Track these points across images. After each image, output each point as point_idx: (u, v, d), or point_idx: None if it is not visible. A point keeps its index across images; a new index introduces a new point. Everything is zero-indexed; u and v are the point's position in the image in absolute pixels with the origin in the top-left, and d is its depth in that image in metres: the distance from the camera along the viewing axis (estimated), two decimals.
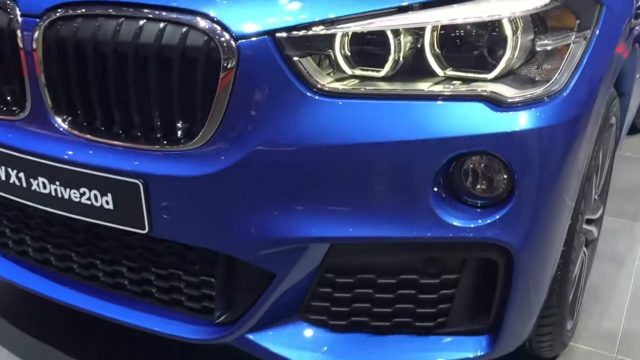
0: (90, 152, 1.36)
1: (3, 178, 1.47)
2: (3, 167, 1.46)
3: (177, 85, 1.24)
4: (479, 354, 1.33)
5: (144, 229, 1.34)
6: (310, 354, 1.34)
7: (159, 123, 1.29)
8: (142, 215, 1.33)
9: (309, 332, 1.36)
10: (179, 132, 1.28)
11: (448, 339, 1.35)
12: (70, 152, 1.37)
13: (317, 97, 1.21)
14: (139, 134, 1.32)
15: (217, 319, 1.40)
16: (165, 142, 1.29)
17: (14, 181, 1.45)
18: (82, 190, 1.37)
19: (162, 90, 1.26)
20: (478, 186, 1.24)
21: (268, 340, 1.36)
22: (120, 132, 1.33)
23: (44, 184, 1.41)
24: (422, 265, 1.31)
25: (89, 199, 1.37)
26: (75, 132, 1.37)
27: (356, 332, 1.37)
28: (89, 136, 1.36)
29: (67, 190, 1.39)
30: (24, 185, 1.44)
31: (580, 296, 1.91)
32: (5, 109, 1.46)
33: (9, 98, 1.45)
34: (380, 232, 1.23)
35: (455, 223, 1.22)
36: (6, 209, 1.63)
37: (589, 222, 1.91)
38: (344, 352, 1.35)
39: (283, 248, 1.27)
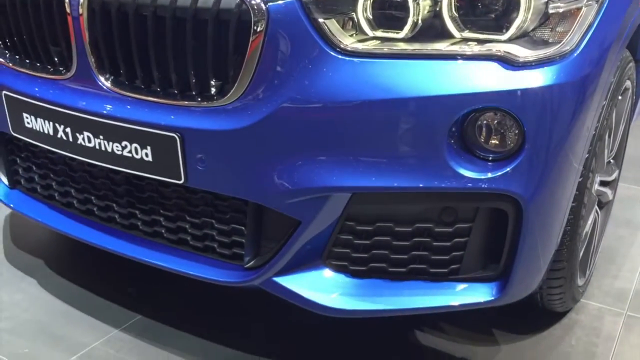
0: (131, 108, 1.47)
1: (51, 133, 1.60)
2: (51, 123, 1.59)
3: (211, 45, 1.35)
4: (489, 298, 1.43)
5: (180, 179, 1.46)
6: (332, 296, 1.46)
7: (194, 81, 1.40)
8: (178, 167, 1.45)
9: (330, 276, 1.47)
10: (213, 90, 1.39)
11: (460, 285, 1.45)
12: (112, 108, 1.49)
13: (340, 57, 1.31)
14: (176, 91, 1.43)
15: (247, 264, 1.51)
16: (199, 98, 1.40)
17: (61, 136, 1.58)
18: (123, 143, 1.49)
19: (198, 51, 1.37)
20: (491, 141, 1.33)
21: (293, 283, 1.47)
22: (159, 89, 1.44)
23: (88, 138, 1.54)
24: (437, 215, 1.40)
25: (130, 151, 1.49)
26: (118, 89, 1.49)
27: (374, 278, 1.47)
28: (130, 93, 1.47)
29: (110, 143, 1.51)
30: (71, 139, 1.57)
31: (593, 255, 1.98)
32: (52, 69, 1.58)
33: (56, 59, 1.57)
34: (398, 183, 1.33)
35: (469, 175, 1.31)
36: (53, 163, 1.76)
37: (603, 184, 1.98)
38: (363, 295, 1.46)
39: (308, 197, 1.37)
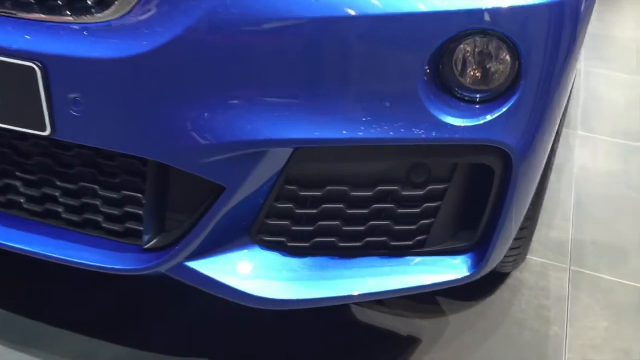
0: None
1: None
2: None
3: None
4: (465, 274, 1.15)
5: (44, 129, 1.01)
6: (266, 283, 1.10)
7: None
8: (41, 111, 1.00)
9: (263, 256, 1.12)
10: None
11: (428, 259, 1.15)
12: None
13: None
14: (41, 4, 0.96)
15: (147, 244, 1.11)
16: (70, 10, 0.95)
17: None
18: None
19: None
20: (476, 76, 1.01)
21: (213, 268, 1.10)
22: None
23: None
24: (404, 174, 1.08)
25: None
26: None
27: (320, 256, 1.14)
28: None
29: None
30: None
31: None
32: None
33: None
34: (356, 133, 0.98)
35: (449, 121, 0.99)
36: None
37: None
38: (305, 278, 1.12)
39: (233, 154, 0.99)
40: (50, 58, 0.96)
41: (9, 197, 1.17)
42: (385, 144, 1.00)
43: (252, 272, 1.11)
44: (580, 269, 1.79)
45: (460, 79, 1.00)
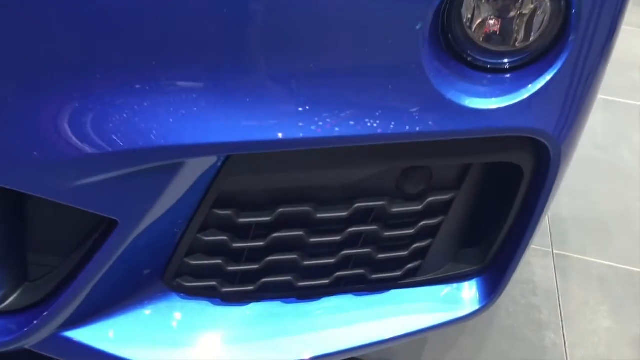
0: None
1: None
2: None
3: None
4: (470, 309, 0.82)
5: None
6: (196, 349, 0.73)
7: None
8: None
9: (187, 309, 0.74)
10: None
11: (419, 292, 0.82)
12: None
13: None
14: None
15: (1, 303, 0.71)
16: None
17: None
18: None
19: None
20: (496, 28, 0.66)
21: (108, 337, 0.71)
22: None
23: None
24: (394, 183, 0.72)
25: None
26: None
27: (269, 300, 0.77)
28: None
29: None
30: None
31: None
32: None
33: None
34: (322, 129, 0.61)
35: (464, 102, 0.64)
36: None
37: None
38: (251, 337, 0.76)
39: (128, 170, 0.60)
40: None
41: None
42: (367, 142, 0.64)
43: (172, 336, 0.74)
44: (565, 252, 1.53)
45: (475, 38, 0.65)
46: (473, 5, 0.64)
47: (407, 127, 0.63)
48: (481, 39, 0.65)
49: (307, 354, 0.77)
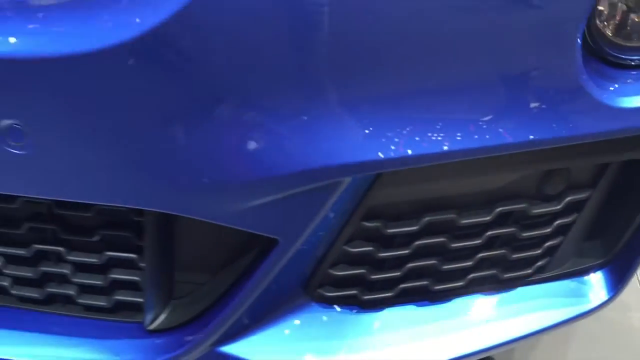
0: None
1: None
2: None
3: None
4: (598, 301, 0.83)
5: None
6: (338, 356, 0.75)
7: None
8: None
9: (331, 319, 0.76)
10: None
11: (545, 288, 0.83)
12: None
13: None
14: None
15: (152, 323, 0.73)
16: None
17: None
18: None
19: None
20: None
21: (259, 350, 0.73)
22: None
23: None
24: (535, 186, 0.73)
25: None
26: None
27: (404, 304, 0.79)
28: None
29: None
30: None
31: None
32: None
33: None
34: (478, 140, 0.62)
35: (617, 103, 0.64)
36: None
37: None
38: (388, 343, 0.77)
39: (293, 191, 0.61)
40: None
41: None
42: (522, 149, 0.64)
43: (318, 344, 0.76)
44: None
45: (615, 33, 0.65)
46: (609, 6, 0.65)
47: (561, 132, 0.64)
48: (621, 37, 0.66)
49: (443, 356, 0.79)
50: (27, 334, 0.75)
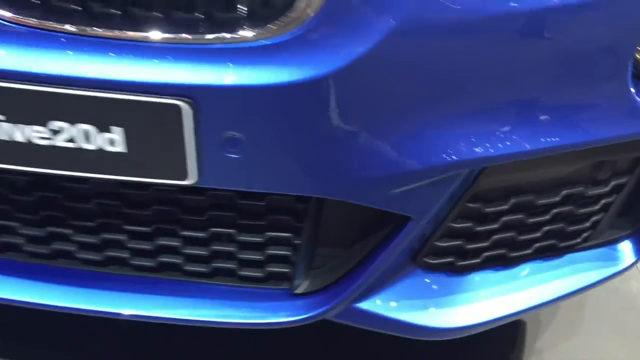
0: (71, 54, 0.73)
1: None
2: None
3: None
4: (626, 264, 1.07)
5: (185, 177, 0.79)
6: (439, 311, 0.97)
7: None
8: (183, 157, 0.77)
9: (430, 281, 0.98)
10: (255, 9, 0.71)
11: (589, 254, 1.07)
12: (21, 58, 0.72)
13: None
14: (175, 18, 0.72)
15: (297, 288, 0.94)
16: (229, 29, 0.72)
17: None
18: (54, 125, 0.75)
19: None
20: None
21: (382, 305, 0.95)
22: (134, 13, 0.72)
23: None
24: (589, 173, 0.96)
25: (71, 139, 0.76)
26: (30, 20, 0.72)
27: (486, 269, 1.01)
28: (62, 26, 0.72)
29: (21, 127, 0.75)
30: None
31: None
32: None
33: None
34: (559, 140, 0.85)
35: None
36: None
37: None
38: (478, 299, 1.00)
39: (430, 180, 0.83)
40: (201, 91, 0.73)
41: (112, 254, 0.94)
42: (592, 145, 0.88)
43: (422, 302, 0.97)
44: None
45: None
46: None
47: (614, 133, 0.87)
48: None
49: (510, 309, 1.01)
50: (197, 300, 0.94)
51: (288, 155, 0.78)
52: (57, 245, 0.94)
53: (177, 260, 0.94)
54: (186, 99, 0.73)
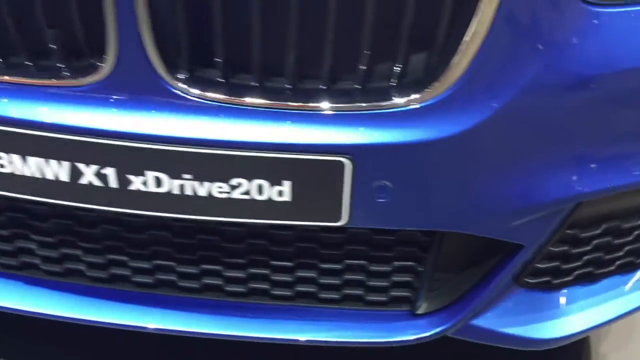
0: (244, 124, 0.87)
1: (66, 178, 0.90)
2: (67, 162, 0.89)
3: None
4: None
5: (338, 220, 0.93)
6: (541, 324, 1.11)
7: (365, 67, 0.85)
8: (339, 204, 0.91)
9: (530, 299, 1.12)
10: (405, 82, 0.86)
11: None
12: (208, 127, 0.86)
13: (602, 10, 0.87)
14: (339, 89, 0.86)
15: (418, 309, 1.08)
16: (383, 97, 0.86)
17: (89, 181, 0.90)
18: (234, 181, 0.89)
19: (380, 12, 0.81)
20: None
21: (492, 321, 1.09)
22: (300, 86, 0.86)
23: (157, 179, 0.89)
24: None
25: (247, 192, 0.90)
26: (207, 93, 0.86)
27: (576, 285, 1.15)
28: (236, 99, 0.86)
29: (203, 184, 0.89)
30: (114, 184, 0.90)
31: None
32: (70, 68, 0.86)
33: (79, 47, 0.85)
34: None
35: None
36: (38, 218, 1.04)
37: None
38: (571, 312, 1.14)
39: (545, 212, 0.97)
40: (360, 149, 0.87)
41: (256, 285, 1.08)
42: None
43: (525, 317, 1.11)
44: None
45: None
46: None
47: None
48: None
49: (599, 319, 1.15)
50: (331, 323, 1.08)
51: (428, 198, 0.92)
52: (208, 280, 1.07)
53: (312, 289, 1.08)
54: (348, 156, 0.87)
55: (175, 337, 1.09)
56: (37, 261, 1.08)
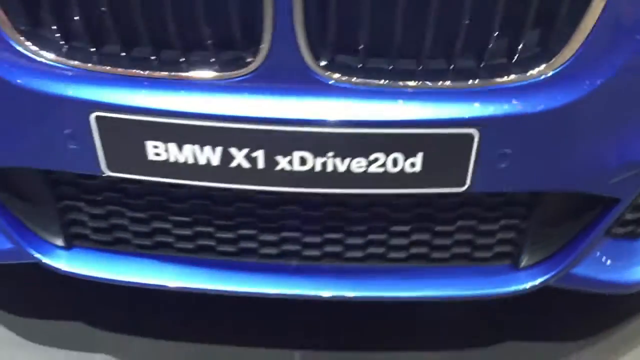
0: (385, 105, 0.95)
1: (216, 162, 0.99)
2: (218, 147, 0.97)
3: None
4: None
5: (462, 185, 1.02)
6: (628, 270, 1.23)
7: (491, 45, 0.93)
8: (465, 171, 1.01)
9: (620, 247, 1.23)
10: (528, 56, 0.95)
11: None
12: (352, 111, 0.95)
13: None
14: (469, 67, 0.95)
15: (521, 263, 1.18)
16: (506, 73, 0.95)
17: (238, 163, 0.98)
18: (372, 156, 0.98)
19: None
20: None
21: (588, 269, 1.20)
22: (434, 67, 0.94)
23: (302, 159, 0.98)
24: None
25: (382, 165, 0.99)
26: (354, 79, 0.94)
27: None
28: (380, 81, 0.94)
29: (344, 161, 0.98)
30: (262, 166, 0.99)
31: None
32: (222, 61, 0.94)
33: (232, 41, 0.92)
34: None
35: None
36: (175, 200, 1.12)
37: None
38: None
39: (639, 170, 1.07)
40: (488, 121, 0.96)
41: (374, 250, 1.17)
42: None
43: (616, 264, 1.22)
44: None
45: None
46: None
47: None
48: None
49: None
50: (440, 280, 1.18)
51: (544, 162, 1.02)
52: (329, 248, 1.17)
53: (424, 250, 1.18)
54: (477, 128, 0.96)
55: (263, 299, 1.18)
56: (171, 240, 1.17)
